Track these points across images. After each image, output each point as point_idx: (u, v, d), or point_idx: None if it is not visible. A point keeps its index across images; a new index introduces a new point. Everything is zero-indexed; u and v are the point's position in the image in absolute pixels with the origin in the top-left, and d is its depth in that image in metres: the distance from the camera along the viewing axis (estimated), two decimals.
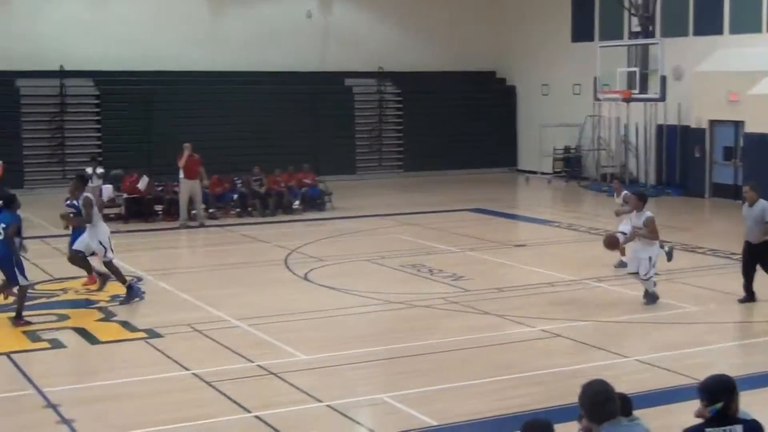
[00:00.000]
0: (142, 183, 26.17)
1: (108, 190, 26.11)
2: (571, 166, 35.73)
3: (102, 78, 33.67)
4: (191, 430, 10.10)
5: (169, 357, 12.71)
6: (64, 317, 15.07)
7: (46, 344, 13.52)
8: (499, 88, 39.64)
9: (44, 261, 19.86)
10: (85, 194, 16.44)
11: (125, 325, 14.56)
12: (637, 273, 15.39)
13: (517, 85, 39.35)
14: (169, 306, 15.93)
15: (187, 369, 12.17)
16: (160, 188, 26.82)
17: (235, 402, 10.88)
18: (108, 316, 15.12)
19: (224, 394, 11.15)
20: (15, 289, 14.71)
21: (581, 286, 17.10)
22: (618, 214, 18.29)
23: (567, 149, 36.12)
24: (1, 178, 26.71)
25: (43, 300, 16.32)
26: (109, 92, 33.64)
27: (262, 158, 29.84)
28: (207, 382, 11.59)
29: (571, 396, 5.94)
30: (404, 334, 13.96)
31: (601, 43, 33.33)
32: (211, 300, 16.10)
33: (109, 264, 16.45)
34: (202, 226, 24.98)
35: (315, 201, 28.01)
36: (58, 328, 14.35)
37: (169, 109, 33.66)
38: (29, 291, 15.26)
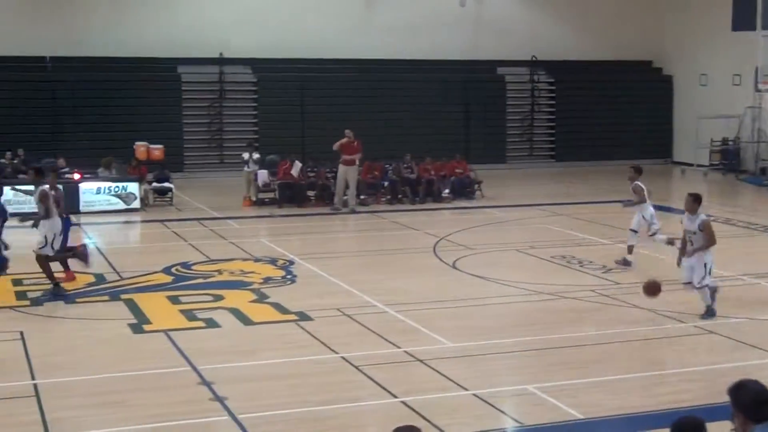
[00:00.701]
0: (295, 169, 26.68)
1: (263, 175, 26.77)
2: (728, 159, 34.67)
3: (259, 65, 34.43)
4: (339, 412, 10.29)
5: (318, 340, 12.95)
6: (219, 297, 15.52)
7: (201, 323, 13.97)
8: (656, 78, 38.74)
9: (201, 242, 20.52)
10: (41, 188, 16.10)
11: (277, 307, 14.91)
12: (691, 283, 14.14)
13: (674, 74, 38.39)
14: (319, 290, 16.22)
15: (335, 352, 12.38)
16: (312, 174, 27.29)
17: (381, 386, 11.02)
18: (261, 298, 15.51)
19: (371, 379, 11.31)
20: None
21: (739, 282, 16.61)
22: (625, 206, 18.41)
23: (725, 141, 35.05)
24: (162, 161, 27.68)
25: (200, 280, 16.86)
26: (266, 79, 34.38)
27: (413, 146, 30.01)
28: (355, 366, 11.77)
29: (723, 395, 5.81)
30: (552, 325, 13.86)
31: (763, 32, 32.17)
32: (360, 285, 16.32)
33: (40, 258, 15.93)
34: (353, 212, 25.32)
35: (465, 189, 28.02)
36: (213, 308, 14.81)
37: (323, 96, 34.17)
38: (186, 271, 15.78)
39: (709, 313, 14.07)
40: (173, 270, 17.65)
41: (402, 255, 19.64)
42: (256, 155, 27.11)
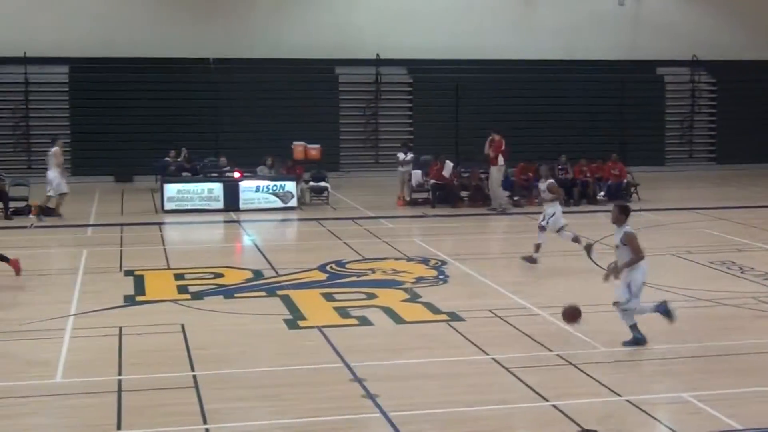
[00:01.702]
0: (447, 169, 26.74)
1: (417, 175, 26.95)
2: None
3: (415, 66, 34.66)
4: (489, 414, 10.28)
5: (469, 340, 12.96)
6: (371, 296, 15.70)
7: (354, 321, 14.17)
8: None
9: (355, 241, 20.80)
10: None
11: (429, 306, 14.98)
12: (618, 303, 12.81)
13: None
14: (471, 291, 16.22)
15: (486, 353, 12.37)
16: (466, 175, 27.30)
17: (533, 389, 10.94)
18: (413, 297, 15.61)
19: (522, 381, 11.24)
20: None
21: None
22: (539, 202, 18.35)
23: None
24: (319, 160, 28.17)
25: (353, 278, 17.10)
26: (421, 80, 34.60)
27: (568, 147, 29.67)
28: (506, 368, 11.73)
29: None
30: (710, 332, 13.49)
31: None
32: (512, 287, 16.24)
33: None
34: (504, 213, 25.22)
35: (621, 192, 27.52)
36: (366, 306, 14.99)
37: (478, 97, 34.14)
38: (340, 269, 16.01)
39: (634, 341, 12.60)
40: (328, 268, 17.95)
41: (555, 257, 19.42)
42: (410, 155, 27.29)
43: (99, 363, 12.04)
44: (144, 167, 30.26)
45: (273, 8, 33.92)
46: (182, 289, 16.28)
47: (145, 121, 31.91)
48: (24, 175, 28.20)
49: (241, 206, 25.59)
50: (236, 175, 26.21)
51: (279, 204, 25.90)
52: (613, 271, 12.89)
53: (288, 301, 15.27)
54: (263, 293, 16.09)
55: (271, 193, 25.91)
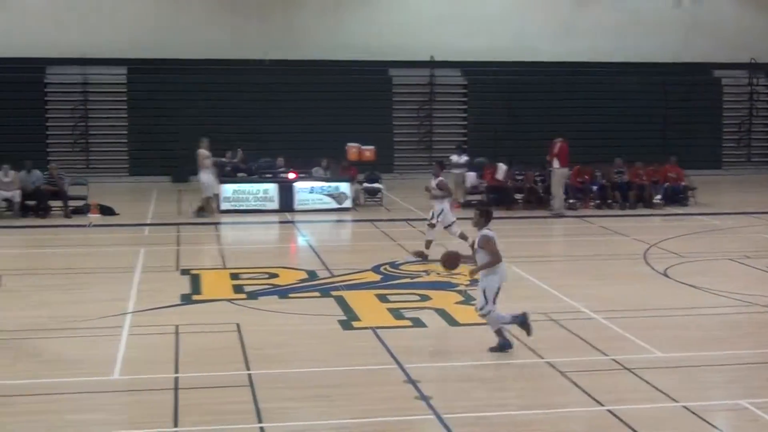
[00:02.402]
0: (500, 172, 26.67)
1: (471, 177, 26.90)
2: None
3: (469, 68, 34.62)
4: (543, 417, 10.23)
5: (524, 343, 12.89)
6: (425, 297, 15.71)
7: (408, 322, 14.18)
8: None
9: (409, 243, 20.80)
10: None
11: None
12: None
13: None
14: (525, 294, 16.13)
15: (541, 357, 12.31)
16: (520, 177, 27.20)
17: (587, 394, 10.88)
18: (467, 299, 15.58)
19: (577, 385, 11.18)
20: None
21: None
22: (430, 197, 19.16)
23: None
24: (373, 161, 28.24)
25: (407, 280, 17.12)
26: (475, 82, 34.55)
27: (624, 150, 29.44)
28: (560, 372, 11.67)
29: None
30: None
31: None
32: (567, 290, 16.15)
33: None
34: (560, 216, 25.09)
35: (677, 195, 27.25)
36: (420, 308, 15.00)
37: (532, 99, 34.01)
38: (394, 271, 16.01)
39: (499, 346, 12.38)
40: (382, 269, 17.99)
41: (610, 261, 19.31)
42: (464, 157, 27.25)
43: (156, 361, 12.17)
44: None
45: (328, 9, 34.07)
46: (238, 289, 16.42)
47: (201, 121, 32.19)
48: (82, 175, 28.59)
49: (296, 207, 25.73)
50: (291, 175, 26.36)
51: (333, 205, 26.01)
52: (472, 273, 12.71)
53: (342, 302, 15.33)
54: (317, 294, 16.16)
55: (325, 194, 26.03)
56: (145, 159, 32.69)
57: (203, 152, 25.00)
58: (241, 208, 25.61)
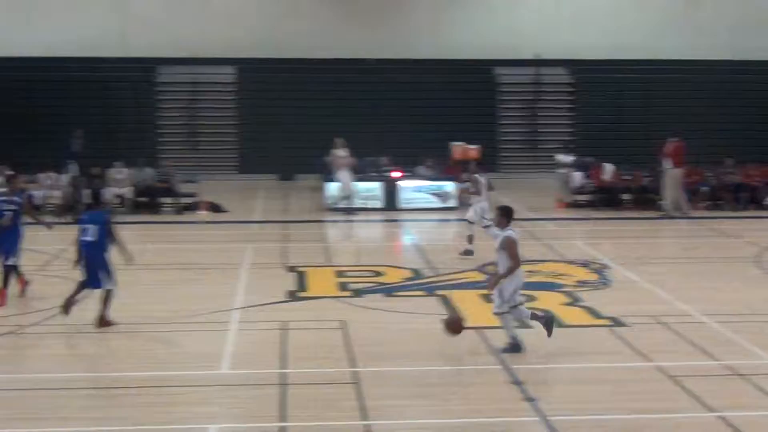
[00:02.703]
0: (607, 172, 26.31)
1: (577, 177, 26.60)
2: None
3: (576, 67, 34.20)
4: (652, 422, 10.05)
5: (632, 347, 12.71)
6: (531, 298, 15.57)
7: (513, 323, 14.04)
8: None
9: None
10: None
11: (590, 311, 14.77)
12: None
13: None
14: (634, 296, 15.91)
15: (650, 361, 12.10)
16: (628, 177, 26.79)
17: (698, 399, 10.65)
18: (574, 301, 15.42)
19: (687, 390, 10.95)
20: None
21: None
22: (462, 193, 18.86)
23: None
24: (478, 160, 28.12)
25: None
26: (582, 81, 34.13)
27: (736, 150, 28.74)
28: (670, 376, 11.45)
29: None
30: None
31: None
32: (676, 293, 15.84)
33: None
34: (668, 217, 24.62)
35: None
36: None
37: (640, 98, 33.45)
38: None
39: (511, 347, 12.30)
40: (486, 268, 17.90)
41: (721, 264, 18.88)
42: (570, 157, 26.96)
43: (262, 356, 12.35)
44: (307, 166, 30.83)
45: (435, 9, 34.04)
46: (343, 286, 16.54)
47: (307, 120, 32.49)
48: (192, 173, 29.14)
49: (401, 205, 25.80)
50: (396, 174, 26.45)
51: (438, 204, 26.00)
52: (492, 282, 12.46)
53: (446, 301, 15.30)
54: (422, 292, 16.18)
55: (430, 193, 26.03)
56: (253, 157, 33.13)
57: (338, 152, 25.36)
58: (348, 206, 25.76)
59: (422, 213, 25.42)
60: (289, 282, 16.83)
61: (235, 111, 33.82)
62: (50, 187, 25.43)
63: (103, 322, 13.51)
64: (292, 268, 18.01)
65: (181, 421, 10.06)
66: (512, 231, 12.43)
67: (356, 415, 10.19)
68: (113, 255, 13.77)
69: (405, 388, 11.11)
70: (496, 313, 12.51)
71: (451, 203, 25.94)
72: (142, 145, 31.00)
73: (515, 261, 12.19)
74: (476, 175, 19.47)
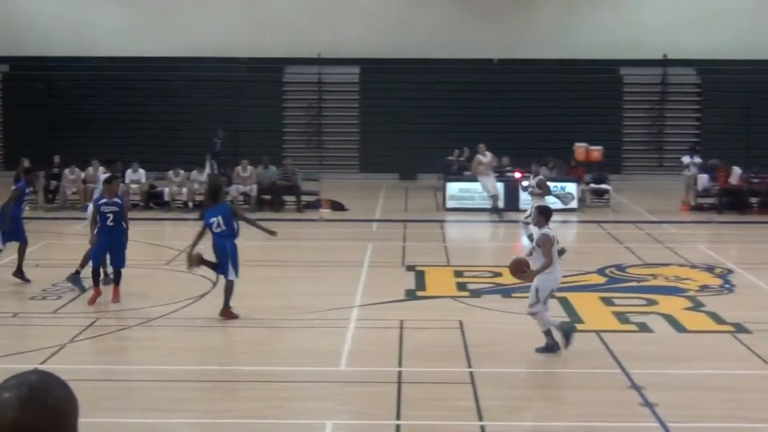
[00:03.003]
0: (734, 176, 25.69)
1: (703, 179, 26.04)
2: None
3: (705, 67, 33.44)
4: None
5: (756, 354, 12.40)
6: (652, 302, 15.34)
7: (633, 327, 13.89)
8: None
9: (636, 245, 20.40)
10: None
11: (713, 316, 14.46)
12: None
13: None
14: (758, 302, 15.51)
15: None
16: (756, 181, 26.09)
17: None
18: (696, 306, 15.12)
19: None
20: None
21: None
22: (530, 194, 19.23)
23: None
24: (601, 162, 27.79)
25: (633, 284, 16.76)
26: (711, 81, 33.35)
27: None
28: None
29: None
30: None
31: None
32: None
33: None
34: None
35: None
36: (646, 313, 14.66)
37: None
38: (620, 273, 15.69)
39: (546, 347, 12.15)
40: (607, 271, 17.70)
41: None
42: (697, 159, 26.41)
43: (380, 354, 12.46)
44: (428, 166, 30.95)
45: (560, 9, 33.74)
46: (461, 286, 16.56)
47: (429, 120, 32.60)
48: (315, 171, 29.56)
49: (521, 206, 25.62)
50: (517, 175, 26.30)
51: (559, 205, 25.69)
52: (528, 278, 12.43)
53: (566, 304, 15.17)
54: None
55: (552, 195, 25.77)
56: (374, 156, 33.41)
57: (479, 158, 25.41)
58: (466, 206, 25.78)
59: None
60: (408, 281, 16.94)
61: (358, 110, 34.14)
62: (179, 184, 26.12)
63: (227, 313, 13.86)
64: (410, 267, 18.12)
65: (296, 416, 10.24)
66: (548, 229, 12.50)
67: (472, 415, 10.20)
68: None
69: (521, 390, 11.09)
70: (530, 313, 12.48)
71: (573, 204, 25.67)
72: (268, 143, 31.56)
73: (548, 258, 12.25)
74: (542, 176, 19.56)
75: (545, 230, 12.51)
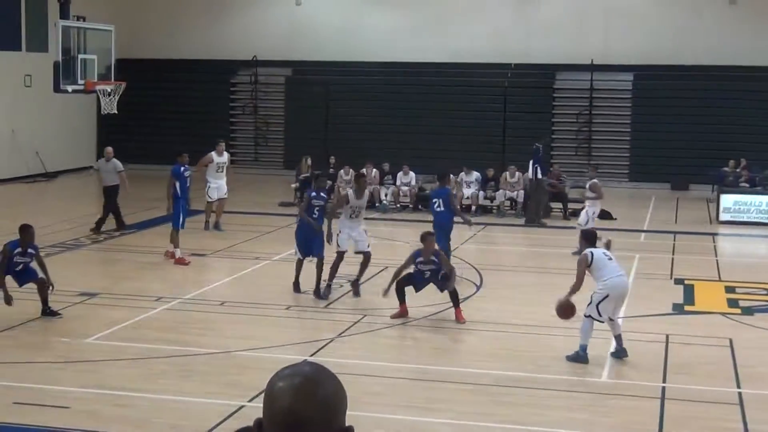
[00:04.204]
0: None
1: None
2: None
3: None
4: None
5: None
6: None
7: None
8: None
9: None
10: None
11: None
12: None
13: None
14: None
15: None
16: None
17: None
18: None
19: None
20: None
21: None
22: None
23: None
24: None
25: None
26: None
27: None
28: None
29: None
30: None
31: None
32: None
33: None
34: None
35: None
36: None
37: None
38: None
39: (616, 352, 12.39)
40: None
41: None
42: None
43: (644, 367, 12.19)
44: (701, 176, 29.90)
45: None
46: (732, 303, 15.91)
47: (704, 129, 31.49)
48: (583, 179, 29.20)
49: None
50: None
51: None
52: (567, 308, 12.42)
53: None
54: None
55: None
56: (645, 165, 32.58)
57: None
58: (742, 219, 24.68)
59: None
60: (676, 294, 16.44)
61: (630, 118, 33.45)
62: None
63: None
64: (679, 281, 17.58)
65: (556, 425, 10.19)
66: (589, 251, 12.42)
67: None
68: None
69: None
70: (585, 314, 12.38)
71: None
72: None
73: (577, 281, 12.37)
74: (596, 180, 20.31)
75: (585, 251, 12.58)
